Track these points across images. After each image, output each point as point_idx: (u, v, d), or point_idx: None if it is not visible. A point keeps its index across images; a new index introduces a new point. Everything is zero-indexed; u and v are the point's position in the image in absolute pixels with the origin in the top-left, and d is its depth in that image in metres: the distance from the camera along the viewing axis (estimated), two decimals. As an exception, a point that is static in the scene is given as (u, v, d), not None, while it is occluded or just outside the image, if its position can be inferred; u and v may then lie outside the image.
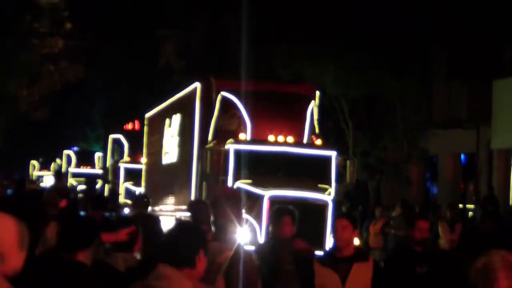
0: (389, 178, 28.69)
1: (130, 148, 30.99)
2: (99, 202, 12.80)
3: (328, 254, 7.28)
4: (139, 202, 13.64)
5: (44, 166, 54.64)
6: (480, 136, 26.14)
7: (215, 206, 6.65)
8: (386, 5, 24.85)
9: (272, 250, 7.32)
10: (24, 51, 30.38)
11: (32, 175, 55.55)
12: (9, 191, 16.74)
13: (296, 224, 7.40)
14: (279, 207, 8.00)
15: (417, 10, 25.50)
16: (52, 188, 20.76)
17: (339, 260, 6.86)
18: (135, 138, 29.10)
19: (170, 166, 21.84)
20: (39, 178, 52.10)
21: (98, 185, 37.16)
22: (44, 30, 31.74)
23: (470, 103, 27.14)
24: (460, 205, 24.18)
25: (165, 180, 22.26)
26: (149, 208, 13.61)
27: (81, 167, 41.96)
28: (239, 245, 6.22)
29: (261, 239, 15.34)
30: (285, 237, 7.35)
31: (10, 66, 29.82)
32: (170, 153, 21.95)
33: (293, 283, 7.17)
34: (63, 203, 14.27)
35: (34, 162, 58.27)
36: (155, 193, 23.14)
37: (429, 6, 25.70)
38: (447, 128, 27.71)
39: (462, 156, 29.34)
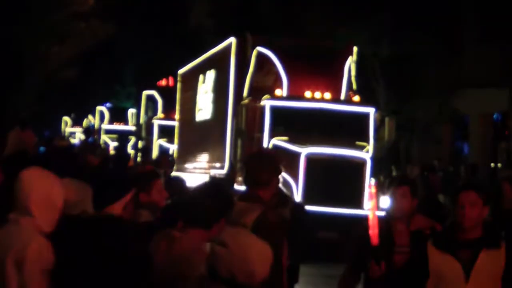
0: (419, 138, 28.36)
1: (164, 105, 30.69)
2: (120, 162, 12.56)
3: (445, 234, 5.44)
4: (163, 161, 13.41)
5: (77, 123, 54.65)
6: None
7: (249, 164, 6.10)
8: None
9: (384, 228, 6.00)
10: (54, 9, 30.13)
11: (65, 131, 55.67)
12: (41, 149, 16.57)
13: (417, 198, 6.16)
14: (397, 176, 7.35)
15: None
16: (81, 144, 20.63)
17: (461, 244, 5.24)
18: (169, 95, 28.74)
19: (204, 123, 21.59)
20: (71, 134, 52.24)
21: (131, 142, 37.09)
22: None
23: (502, 63, 26.65)
24: (492, 165, 23.89)
25: (199, 137, 22.02)
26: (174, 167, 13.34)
27: (114, 123, 41.76)
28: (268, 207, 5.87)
29: (298, 198, 15.12)
30: (401, 213, 6.07)
31: (40, 25, 29.64)
32: (204, 110, 21.69)
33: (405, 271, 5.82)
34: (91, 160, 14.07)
35: (66, 119, 58.34)
36: (188, 150, 22.99)
37: None
38: (478, 87, 27.28)
39: (494, 116, 28.90)
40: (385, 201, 15.12)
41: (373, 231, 5.86)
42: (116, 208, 4.98)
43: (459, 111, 27.84)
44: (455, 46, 27.55)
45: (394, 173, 21.06)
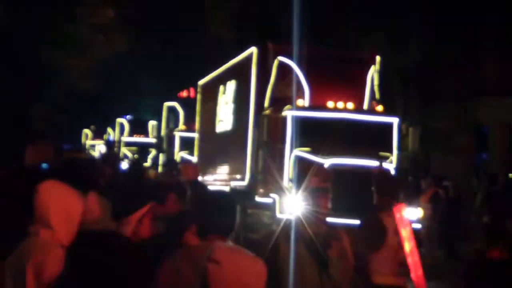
0: (439, 148, 28.02)
1: (186, 116, 30.39)
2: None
3: None
4: (186, 169, 13.18)
5: (97, 135, 54.54)
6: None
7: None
8: None
9: None
10: (73, 21, 30.16)
11: (85, 144, 55.62)
12: (44, 165, 16.32)
13: None
14: None
15: None
16: (101, 157, 20.45)
17: None
18: (190, 106, 28.45)
19: (224, 134, 21.32)
20: (92, 147, 52.16)
21: (151, 155, 36.87)
22: (94, 0, 31.39)
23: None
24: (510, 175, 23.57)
25: (219, 149, 21.76)
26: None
27: (135, 135, 41.47)
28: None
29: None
30: None
31: (59, 36, 29.63)
32: (224, 121, 21.42)
33: None
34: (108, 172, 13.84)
35: (87, 131, 58.32)
36: (208, 162, 22.71)
37: None
38: (499, 97, 26.93)
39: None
40: (413, 212, 14.60)
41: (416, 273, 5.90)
42: (131, 221, 4.92)
43: (479, 121, 27.52)
44: (475, 54, 27.27)
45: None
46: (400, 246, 6.59)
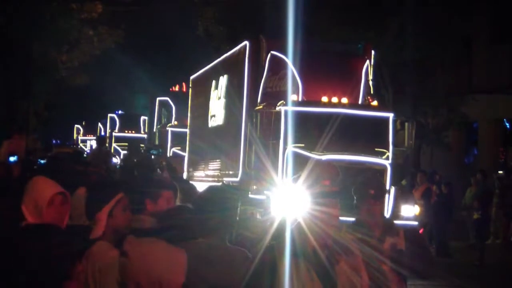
0: (429, 144, 27.89)
1: (177, 111, 30.07)
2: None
3: None
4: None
5: (89, 131, 54.28)
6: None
7: None
8: None
9: None
10: (63, 16, 29.91)
11: (78, 139, 55.38)
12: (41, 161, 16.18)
13: None
14: None
15: None
16: (93, 153, 20.21)
17: None
18: (182, 101, 28.13)
19: (217, 129, 21.04)
20: (83, 142, 51.89)
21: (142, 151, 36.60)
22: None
23: (512, 67, 26.36)
24: (500, 172, 23.54)
25: (211, 144, 21.46)
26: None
27: (126, 131, 41.20)
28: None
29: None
30: None
31: (49, 32, 29.40)
32: (216, 116, 21.13)
33: None
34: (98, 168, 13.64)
35: (78, 126, 58.10)
36: (200, 158, 22.44)
37: None
38: (488, 93, 26.82)
39: (506, 123, 28.49)
40: (408, 209, 14.36)
41: None
42: (101, 217, 4.85)
43: (469, 117, 27.43)
44: (464, 49, 27.15)
45: (403, 182, 20.60)
46: None
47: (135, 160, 22.56)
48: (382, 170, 14.86)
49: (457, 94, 27.10)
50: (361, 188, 6.36)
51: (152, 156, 26.23)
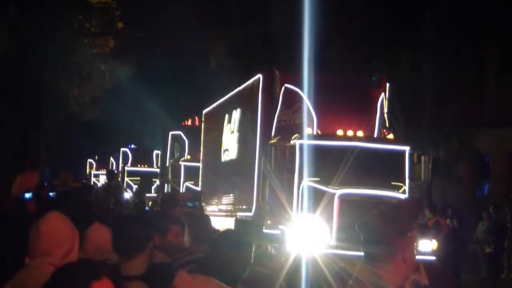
0: (440, 177, 27.65)
1: (191, 146, 29.86)
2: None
3: None
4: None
5: (101, 165, 54.19)
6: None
7: None
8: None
9: None
10: (76, 50, 29.96)
11: (91, 174, 55.31)
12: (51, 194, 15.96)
13: None
14: None
15: (469, 4, 24.53)
16: (103, 188, 20.03)
17: None
18: (195, 135, 27.95)
19: (230, 163, 20.81)
20: (96, 176, 51.80)
21: (155, 185, 36.40)
22: (95, 30, 31.14)
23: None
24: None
25: (224, 179, 21.23)
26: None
27: (138, 165, 41.04)
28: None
29: (331, 241, 14.28)
30: None
31: (61, 65, 29.44)
32: (229, 150, 20.92)
33: None
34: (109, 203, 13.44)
35: (91, 161, 58.08)
36: (213, 192, 22.21)
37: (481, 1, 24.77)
38: (500, 126, 26.61)
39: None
40: (426, 243, 13.96)
41: None
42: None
43: (480, 150, 27.22)
44: (475, 83, 27.02)
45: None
46: None
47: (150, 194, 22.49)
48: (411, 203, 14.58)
49: (468, 126, 26.91)
50: (393, 223, 6.01)
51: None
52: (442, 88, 25.98)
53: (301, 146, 15.52)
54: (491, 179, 29.09)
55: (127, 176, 40.40)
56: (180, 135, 31.63)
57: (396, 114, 26.15)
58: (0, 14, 26.32)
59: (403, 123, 26.40)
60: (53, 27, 27.80)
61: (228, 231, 4.95)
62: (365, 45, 25.48)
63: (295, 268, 5.50)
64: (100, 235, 5.40)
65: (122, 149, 45.65)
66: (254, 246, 4.86)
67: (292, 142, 15.76)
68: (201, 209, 17.10)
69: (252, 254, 4.85)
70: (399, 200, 14.21)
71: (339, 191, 14.61)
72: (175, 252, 6.23)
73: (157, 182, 36.58)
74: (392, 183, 15.47)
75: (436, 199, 26.72)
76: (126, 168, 41.37)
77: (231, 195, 20.34)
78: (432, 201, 25.30)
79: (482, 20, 24.96)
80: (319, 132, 15.83)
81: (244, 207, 18.60)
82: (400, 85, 25.13)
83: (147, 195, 30.50)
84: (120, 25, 31.68)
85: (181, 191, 28.13)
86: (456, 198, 27.59)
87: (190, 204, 16.15)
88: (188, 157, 29.77)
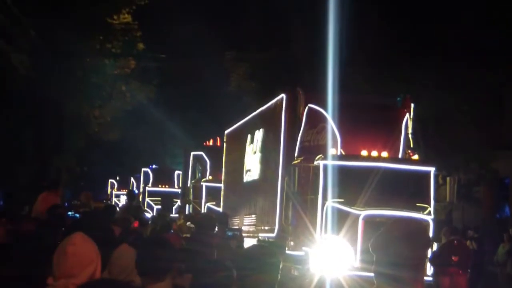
0: (460, 199, 27.49)
1: (212, 166, 29.76)
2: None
3: None
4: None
5: (123, 185, 54.25)
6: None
7: None
8: (453, 22, 23.96)
9: None
10: (96, 72, 30.07)
11: (112, 194, 55.38)
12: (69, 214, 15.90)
13: None
14: None
15: (485, 28, 24.41)
16: (124, 208, 19.93)
17: None
18: (217, 155, 27.86)
19: (252, 184, 20.68)
20: (117, 196, 51.82)
21: (176, 205, 36.29)
22: (116, 51, 31.24)
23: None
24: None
25: (246, 199, 21.12)
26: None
27: (159, 186, 41.00)
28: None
29: (356, 263, 14.10)
30: None
31: (82, 87, 29.55)
32: (252, 171, 20.79)
33: None
34: (135, 224, 13.35)
35: (113, 181, 58.21)
36: (235, 213, 22.07)
37: (499, 22, 24.58)
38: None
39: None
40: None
41: None
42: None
43: (500, 173, 27.05)
44: (495, 106, 26.86)
45: None
46: None
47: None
48: (424, 226, 14.37)
49: (488, 149, 26.73)
50: (443, 254, 6.03)
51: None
52: (463, 110, 25.85)
53: (325, 166, 15.36)
54: (511, 201, 28.91)
55: (148, 196, 40.34)
56: (201, 156, 31.53)
57: (417, 135, 26.04)
58: (21, 37, 26.43)
59: (423, 144, 26.28)
60: (74, 48, 27.89)
61: (253, 252, 4.81)
62: (387, 66, 25.40)
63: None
64: (128, 256, 5.36)
65: (143, 169, 45.65)
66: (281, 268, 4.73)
67: (316, 162, 15.61)
68: (241, 240, 16.82)
69: (279, 277, 4.74)
70: (422, 224, 14.03)
71: (363, 213, 14.44)
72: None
73: (178, 202, 36.45)
74: (417, 204, 15.28)
75: (456, 221, 26.56)
76: (147, 188, 41.32)
77: (253, 215, 20.20)
78: (452, 222, 25.12)
79: (502, 42, 24.80)
80: (343, 153, 15.67)
81: (266, 228, 18.45)
82: (420, 106, 25.05)
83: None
84: (141, 46, 31.75)
85: (202, 211, 28.01)
86: (476, 220, 27.42)
87: (229, 234, 15.80)
88: (210, 177, 29.66)
